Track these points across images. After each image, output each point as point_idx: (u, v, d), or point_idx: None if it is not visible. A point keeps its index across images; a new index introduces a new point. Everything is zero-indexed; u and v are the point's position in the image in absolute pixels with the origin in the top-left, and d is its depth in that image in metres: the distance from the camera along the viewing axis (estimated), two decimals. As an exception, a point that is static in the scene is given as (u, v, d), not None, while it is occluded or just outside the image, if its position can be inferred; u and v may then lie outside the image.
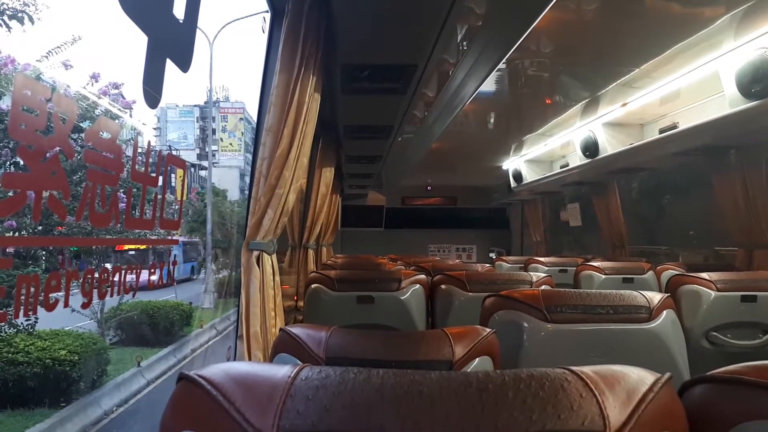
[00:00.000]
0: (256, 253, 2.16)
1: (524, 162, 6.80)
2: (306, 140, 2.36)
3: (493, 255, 9.27)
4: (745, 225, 3.96)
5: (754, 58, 2.87)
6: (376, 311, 2.65)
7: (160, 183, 1.60)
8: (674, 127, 3.94)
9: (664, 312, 1.72)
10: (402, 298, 2.68)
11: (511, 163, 7.10)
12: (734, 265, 4.08)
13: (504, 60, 2.88)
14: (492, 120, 5.35)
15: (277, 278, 2.29)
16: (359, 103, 3.51)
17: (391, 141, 4.63)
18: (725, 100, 3.14)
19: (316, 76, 2.37)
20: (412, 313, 2.67)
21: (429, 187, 9.78)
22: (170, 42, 1.48)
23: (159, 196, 1.60)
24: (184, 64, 1.50)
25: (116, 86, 3.68)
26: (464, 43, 2.85)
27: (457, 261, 6.51)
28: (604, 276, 3.77)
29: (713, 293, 2.54)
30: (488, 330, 1.30)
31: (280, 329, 1.26)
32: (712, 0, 2.75)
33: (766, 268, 3.56)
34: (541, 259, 5.43)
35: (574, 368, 0.66)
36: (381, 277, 2.80)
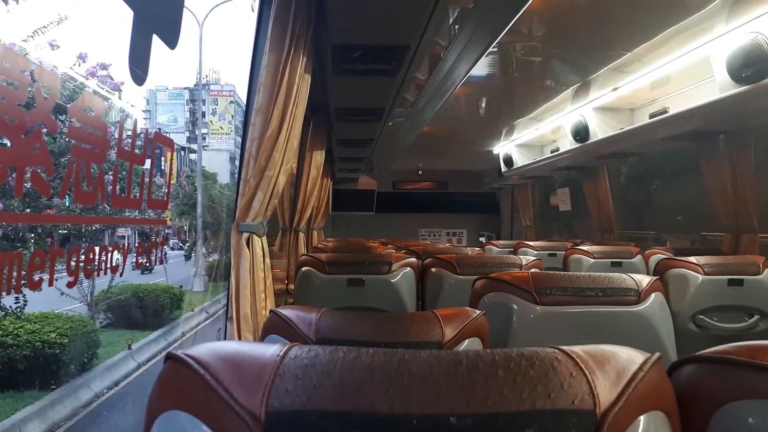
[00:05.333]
0: (246, 235, 2.15)
1: (515, 146, 6.79)
2: (296, 122, 2.34)
3: (483, 239, 9.31)
4: (733, 210, 3.99)
5: (746, 43, 2.87)
6: (366, 294, 2.66)
7: (147, 163, 1.58)
8: (664, 111, 3.94)
9: (653, 295, 1.73)
10: (392, 281, 2.68)
11: (501, 148, 7.09)
12: (721, 249, 4.12)
13: (495, 43, 2.86)
14: (483, 104, 5.33)
15: (267, 260, 2.28)
16: (350, 84, 3.48)
17: (382, 124, 4.60)
18: (715, 85, 3.14)
19: (306, 56, 2.34)
20: (402, 295, 2.67)
21: (420, 172, 9.77)
22: (157, 18, 1.44)
23: (147, 177, 1.58)
24: (171, 41, 1.47)
25: (104, 67, 3.62)
26: (456, 26, 2.82)
27: (448, 245, 6.52)
28: (592, 260, 3.80)
29: (700, 277, 2.56)
30: (478, 312, 1.31)
31: (271, 311, 1.25)
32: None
33: (753, 253, 3.59)
34: (531, 243, 5.46)
35: (564, 348, 0.66)
36: (372, 260, 2.81)
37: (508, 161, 7.02)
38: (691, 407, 0.72)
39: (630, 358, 0.67)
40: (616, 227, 5.99)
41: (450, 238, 9.96)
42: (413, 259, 2.86)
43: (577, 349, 0.66)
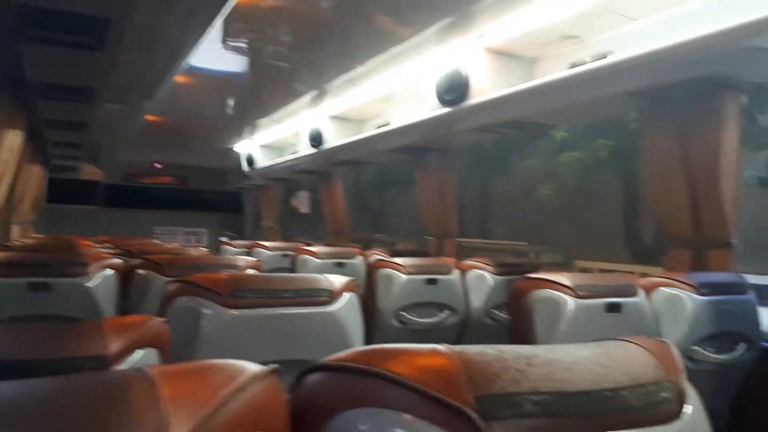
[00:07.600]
0: None
1: (257, 146, 6.76)
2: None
3: (224, 239, 9.05)
4: (439, 218, 4.52)
5: (450, 71, 3.26)
6: (54, 301, 2.27)
7: None
8: (387, 125, 4.28)
9: (345, 294, 1.78)
10: (87, 284, 2.34)
11: (244, 147, 7.00)
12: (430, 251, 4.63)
13: (238, 38, 2.74)
14: (226, 100, 5.18)
15: None
16: (49, 56, 2.95)
17: (96, 107, 4.07)
18: (427, 106, 3.51)
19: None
20: (99, 302, 2.35)
21: (158, 165, 9.07)
22: None
23: None
24: None
25: None
26: (169, 5, 2.61)
27: (177, 245, 6.12)
28: (319, 260, 3.90)
29: (403, 276, 2.80)
30: (157, 319, 1.17)
31: None
32: (419, 11, 2.99)
33: (452, 255, 4.10)
34: (266, 243, 5.43)
35: (146, 368, 0.57)
36: (62, 261, 2.41)
37: (251, 161, 6.96)
38: (305, 420, 0.67)
39: (233, 374, 0.60)
40: (348, 230, 6.31)
41: (189, 238, 9.45)
42: (117, 261, 2.54)
43: (162, 368, 0.58)
